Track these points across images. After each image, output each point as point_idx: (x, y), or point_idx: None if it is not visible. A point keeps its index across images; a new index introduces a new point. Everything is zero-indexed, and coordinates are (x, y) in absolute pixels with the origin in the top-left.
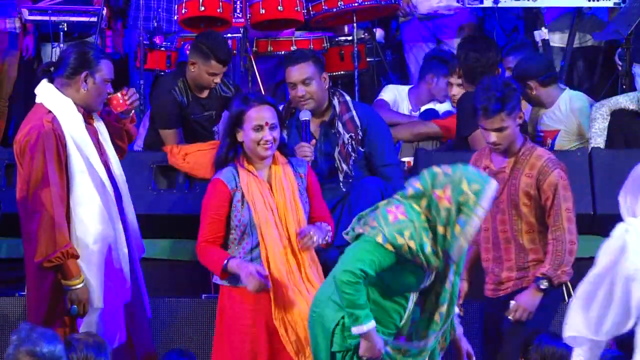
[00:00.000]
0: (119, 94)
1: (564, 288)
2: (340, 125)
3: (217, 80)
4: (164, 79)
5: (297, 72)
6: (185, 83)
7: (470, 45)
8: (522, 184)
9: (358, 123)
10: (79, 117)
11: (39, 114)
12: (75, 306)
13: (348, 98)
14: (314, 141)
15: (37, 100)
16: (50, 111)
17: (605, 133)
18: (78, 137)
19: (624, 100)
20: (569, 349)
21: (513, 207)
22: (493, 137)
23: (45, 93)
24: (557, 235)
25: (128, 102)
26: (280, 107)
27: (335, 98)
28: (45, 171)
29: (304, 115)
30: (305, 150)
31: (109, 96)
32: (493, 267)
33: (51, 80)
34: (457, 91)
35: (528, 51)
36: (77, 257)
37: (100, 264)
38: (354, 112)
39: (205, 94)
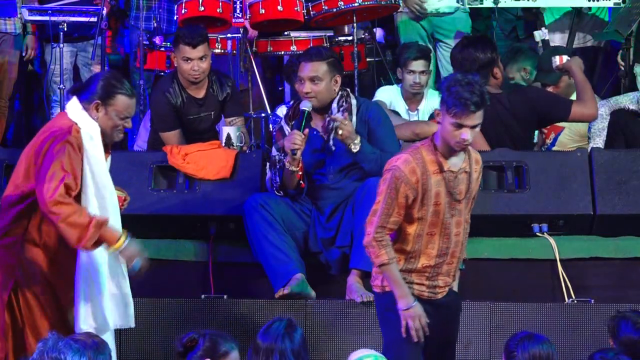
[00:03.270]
0: (122, 197)
1: (564, 288)
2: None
3: (195, 67)
4: (160, 82)
5: (309, 69)
6: (179, 84)
7: (468, 43)
8: (474, 180)
9: (353, 128)
10: (99, 140)
11: (66, 122)
12: (135, 264)
13: (354, 102)
14: (306, 131)
15: (68, 114)
16: (77, 124)
17: (605, 133)
18: (96, 158)
19: (624, 100)
20: (552, 349)
21: (468, 205)
22: (468, 134)
23: (75, 110)
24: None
25: (121, 208)
26: (277, 109)
27: (340, 101)
28: (70, 163)
29: (305, 105)
30: (296, 138)
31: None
32: (433, 275)
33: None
34: None
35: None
36: (106, 222)
37: (104, 284)
38: (353, 118)
39: (201, 93)
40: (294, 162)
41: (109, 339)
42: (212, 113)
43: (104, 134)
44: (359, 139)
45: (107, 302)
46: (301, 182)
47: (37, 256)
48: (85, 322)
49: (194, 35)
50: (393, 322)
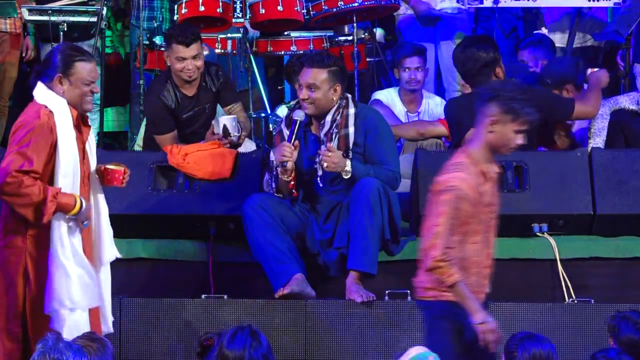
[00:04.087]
0: (121, 170)
1: (564, 288)
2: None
3: (189, 66)
4: (152, 84)
5: (308, 75)
6: (173, 83)
7: (470, 42)
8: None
9: (351, 140)
10: (69, 117)
11: (35, 107)
12: (86, 222)
13: (352, 111)
14: (296, 142)
15: (37, 99)
16: (47, 106)
17: (605, 133)
18: (66, 137)
19: (624, 100)
20: (552, 348)
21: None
22: (522, 138)
23: (41, 92)
24: None
25: (123, 182)
26: (277, 109)
27: (338, 111)
28: (27, 153)
29: (297, 115)
30: (285, 150)
31: (111, 167)
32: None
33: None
34: None
35: (548, 52)
36: (59, 190)
37: (71, 267)
38: (350, 130)
39: (193, 90)
40: (286, 173)
41: (82, 317)
42: (207, 106)
43: (74, 107)
44: (348, 165)
45: (74, 284)
46: (294, 191)
47: (46, 251)
48: (57, 301)
49: (187, 34)
50: (445, 330)
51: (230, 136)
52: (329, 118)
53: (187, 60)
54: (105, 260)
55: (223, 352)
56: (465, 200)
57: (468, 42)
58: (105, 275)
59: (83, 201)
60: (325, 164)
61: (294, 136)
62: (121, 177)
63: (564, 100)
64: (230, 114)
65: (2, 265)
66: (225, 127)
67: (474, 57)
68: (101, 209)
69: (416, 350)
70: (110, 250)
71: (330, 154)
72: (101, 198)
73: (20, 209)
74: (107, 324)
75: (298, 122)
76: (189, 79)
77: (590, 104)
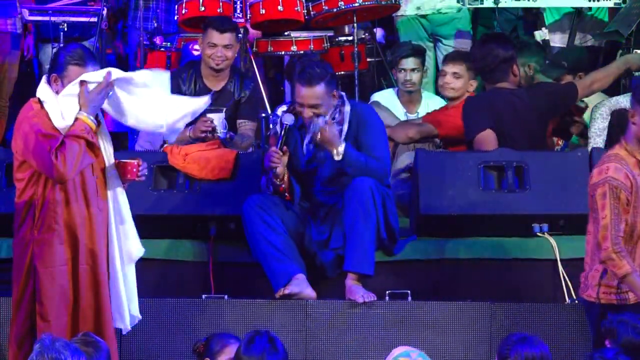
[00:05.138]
0: (135, 162)
1: (564, 288)
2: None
3: (218, 53)
4: (181, 67)
5: (308, 96)
6: (197, 72)
7: (487, 39)
8: None
9: (343, 136)
10: (59, 112)
11: (29, 102)
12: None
13: (347, 109)
14: (285, 148)
15: (37, 93)
16: (38, 98)
17: (605, 133)
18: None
19: (624, 100)
20: (546, 350)
21: None
22: None
23: (41, 87)
24: None
25: (139, 174)
26: (278, 109)
27: (334, 113)
28: (45, 133)
29: (286, 120)
30: (274, 156)
31: (125, 160)
32: None
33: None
34: (449, 79)
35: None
36: (74, 129)
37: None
38: (344, 127)
39: (218, 86)
40: (277, 178)
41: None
42: (224, 109)
43: None
44: (342, 147)
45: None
46: (286, 194)
47: (55, 242)
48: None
49: (223, 22)
50: None
51: (217, 133)
52: (327, 117)
53: (218, 47)
54: (134, 255)
55: (240, 358)
56: (622, 190)
57: (486, 38)
58: (131, 272)
59: (81, 112)
60: (319, 136)
61: (282, 142)
62: (135, 170)
63: (566, 87)
64: (238, 128)
65: (16, 259)
66: (212, 122)
67: (493, 53)
68: (121, 204)
69: (399, 349)
70: (137, 245)
71: (327, 129)
72: (120, 193)
73: (86, 162)
74: (124, 322)
75: (286, 127)
76: (216, 66)
77: (586, 82)
